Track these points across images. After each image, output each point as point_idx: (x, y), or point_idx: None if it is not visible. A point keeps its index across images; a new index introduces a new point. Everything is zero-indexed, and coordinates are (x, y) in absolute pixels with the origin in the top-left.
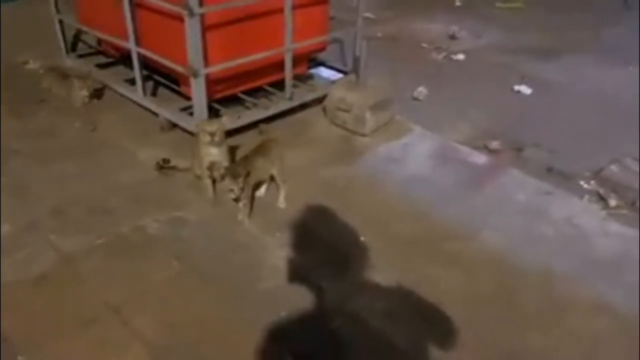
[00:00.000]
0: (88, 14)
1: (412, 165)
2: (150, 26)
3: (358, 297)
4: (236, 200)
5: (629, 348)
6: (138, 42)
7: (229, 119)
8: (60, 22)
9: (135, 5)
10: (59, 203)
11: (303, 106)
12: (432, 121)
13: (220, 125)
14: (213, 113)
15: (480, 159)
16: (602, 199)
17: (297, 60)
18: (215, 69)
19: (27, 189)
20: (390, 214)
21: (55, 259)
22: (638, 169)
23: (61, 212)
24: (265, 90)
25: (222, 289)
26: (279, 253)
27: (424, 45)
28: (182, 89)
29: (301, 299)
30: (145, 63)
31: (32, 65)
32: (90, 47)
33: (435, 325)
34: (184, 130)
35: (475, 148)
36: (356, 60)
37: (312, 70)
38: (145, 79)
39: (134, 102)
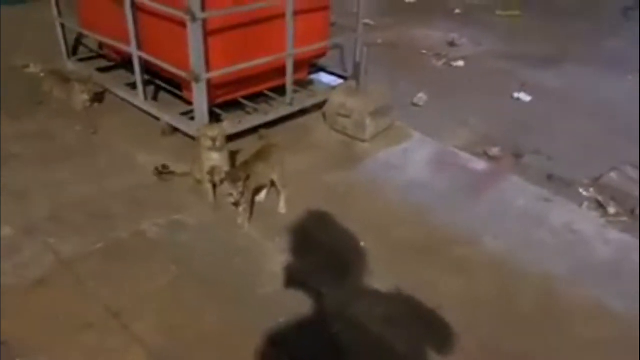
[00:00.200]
0: (90, 18)
1: (412, 171)
2: (152, 30)
3: (358, 303)
4: (235, 204)
5: (628, 353)
6: (140, 47)
7: (230, 124)
8: (62, 25)
9: (137, 10)
10: (58, 206)
11: (303, 111)
12: (431, 127)
13: (222, 130)
14: (214, 118)
15: (480, 165)
16: (602, 206)
17: (298, 66)
18: (216, 74)
19: (26, 191)
20: (391, 220)
21: (54, 263)
22: (638, 177)
23: (60, 215)
24: (265, 95)
25: (222, 294)
26: (279, 258)
27: (424, 51)
28: (184, 93)
29: (301, 304)
30: (147, 67)
31: (33, 68)
32: (91, 51)
33: (435, 330)
34: (185, 134)
35: (475, 154)
36: (356, 66)
37: (313, 76)
38: (146, 83)
39: (135, 106)
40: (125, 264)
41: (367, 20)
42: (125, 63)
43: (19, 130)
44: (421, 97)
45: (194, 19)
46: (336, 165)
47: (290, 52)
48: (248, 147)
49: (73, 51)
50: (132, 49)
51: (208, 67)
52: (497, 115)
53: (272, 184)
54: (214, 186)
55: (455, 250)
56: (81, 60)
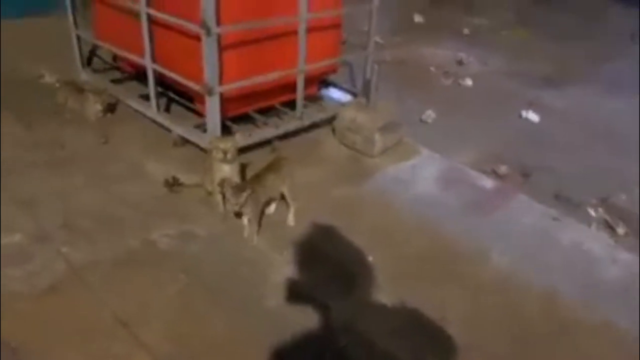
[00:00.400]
0: (105, 30)
1: (420, 187)
2: (166, 43)
3: (365, 317)
4: (238, 215)
5: None
6: (154, 59)
7: (242, 137)
8: (78, 37)
9: (152, 23)
10: (69, 214)
11: (313, 126)
12: (440, 144)
13: (233, 142)
14: (225, 130)
15: (488, 182)
16: (610, 227)
17: (308, 81)
18: (230, 87)
19: (38, 199)
20: (398, 234)
21: (65, 271)
22: None
23: (72, 223)
24: (276, 109)
25: (230, 305)
26: (286, 270)
27: (432, 69)
28: (196, 106)
29: (307, 317)
30: (160, 79)
31: (48, 79)
32: (105, 62)
33: (441, 344)
34: (196, 146)
35: (483, 172)
36: (366, 82)
37: (322, 92)
38: (158, 95)
39: (147, 117)
40: (135, 273)
41: (376, 39)
42: (139, 75)
43: (32, 139)
44: (429, 114)
45: (209, 33)
46: (345, 180)
47: (301, 68)
48: (257, 159)
49: (87, 62)
50: (147, 62)
51: (221, 80)
52: (504, 133)
53: (282, 196)
54: (224, 198)
55: (462, 266)
56: (95, 71)
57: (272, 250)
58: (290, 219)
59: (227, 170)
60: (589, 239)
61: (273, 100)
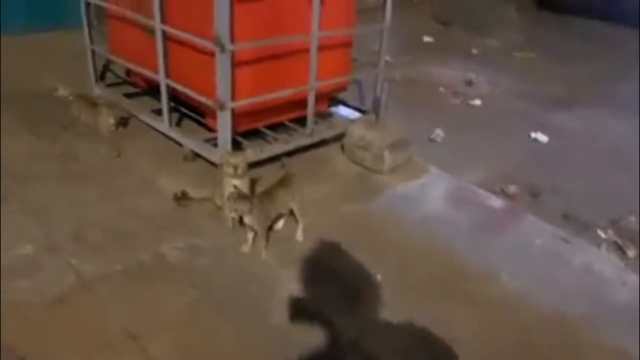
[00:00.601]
0: (120, 46)
1: (429, 206)
2: (179, 59)
3: (372, 334)
4: (240, 222)
5: None
6: (167, 75)
7: (253, 152)
8: (93, 52)
9: (166, 39)
10: (80, 226)
11: (322, 142)
12: (448, 163)
13: (244, 157)
14: (235, 145)
15: (497, 202)
16: (620, 249)
17: (319, 98)
18: (241, 103)
19: (49, 211)
20: (407, 253)
21: (75, 283)
22: None
23: (82, 235)
24: (286, 125)
25: (238, 319)
26: (294, 286)
27: (442, 89)
28: (207, 120)
29: (314, 334)
30: (171, 94)
31: (62, 92)
32: (118, 77)
33: None
34: (206, 160)
35: (492, 191)
36: (376, 100)
37: (332, 109)
38: (171, 110)
39: (158, 131)
40: (144, 286)
41: (386, 58)
42: (151, 89)
43: (45, 151)
44: (438, 133)
45: (223, 49)
46: (354, 197)
47: (312, 85)
48: (267, 175)
49: (101, 77)
50: (160, 77)
51: (233, 96)
52: (513, 153)
53: (291, 212)
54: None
55: (470, 286)
56: (108, 85)
57: (281, 265)
58: (299, 235)
59: (237, 185)
60: (598, 261)
61: (283, 117)
